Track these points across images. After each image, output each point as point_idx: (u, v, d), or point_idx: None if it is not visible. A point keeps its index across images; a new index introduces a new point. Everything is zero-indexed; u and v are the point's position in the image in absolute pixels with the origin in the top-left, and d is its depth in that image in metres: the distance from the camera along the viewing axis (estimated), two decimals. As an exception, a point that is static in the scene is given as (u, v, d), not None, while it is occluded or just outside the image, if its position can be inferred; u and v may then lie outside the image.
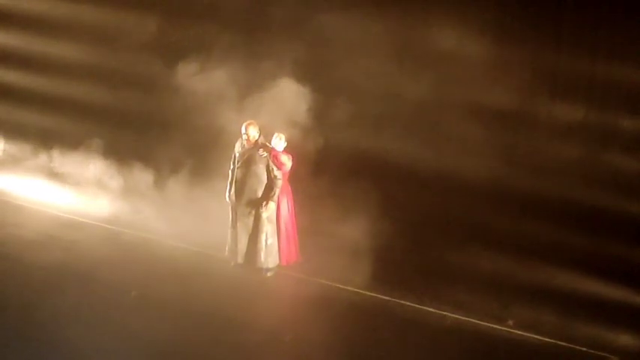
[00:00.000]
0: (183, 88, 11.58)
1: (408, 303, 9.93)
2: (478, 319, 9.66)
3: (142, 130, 12.45)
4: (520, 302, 9.88)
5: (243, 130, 10.27)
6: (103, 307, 9.36)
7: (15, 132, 13.32)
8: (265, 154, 10.12)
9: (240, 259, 10.44)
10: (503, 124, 10.80)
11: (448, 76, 10.93)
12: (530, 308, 9.81)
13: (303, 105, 11.04)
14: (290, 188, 10.55)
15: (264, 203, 10.30)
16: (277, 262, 10.50)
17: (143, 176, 12.20)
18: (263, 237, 10.36)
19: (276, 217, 10.45)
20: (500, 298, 9.95)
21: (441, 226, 10.88)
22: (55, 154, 12.81)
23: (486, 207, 10.74)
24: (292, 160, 10.40)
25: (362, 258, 10.49)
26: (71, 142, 12.67)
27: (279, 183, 10.30)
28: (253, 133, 10.26)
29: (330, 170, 11.21)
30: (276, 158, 10.11)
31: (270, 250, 10.40)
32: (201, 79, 11.50)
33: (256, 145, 10.34)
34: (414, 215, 10.96)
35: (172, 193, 11.91)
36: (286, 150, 10.47)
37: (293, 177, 10.64)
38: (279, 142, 10.38)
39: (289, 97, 11.00)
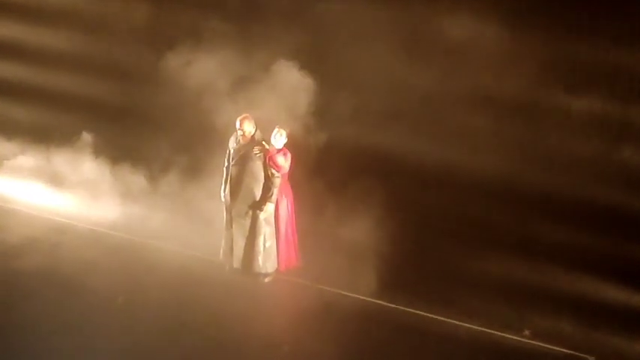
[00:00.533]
0: (173, 80, 11.24)
1: (416, 311, 9.66)
2: (492, 329, 9.41)
3: (131, 126, 12.13)
4: (537, 310, 9.60)
5: (237, 125, 9.83)
6: (87, 314, 9.12)
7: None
8: (260, 153, 9.77)
9: (235, 264, 10.02)
10: (516, 118, 10.55)
11: (458, 68, 10.68)
12: (549, 317, 9.52)
13: (302, 98, 10.67)
14: (290, 188, 10.17)
15: (262, 203, 9.90)
16: (276, 266, 10.11)
17: (132, 175, 11.88)
18: (260, 240, 9.94)
19: (275, 219, 10.07)
20: (515, 306, 9.66)
21: (451, 228, 10.60)
22: (40, 152, 12.48)
23: (500, 207, 10.48)
24: (291, 159, 10.00)
25: (367, 262, 10.18)
26: (57, 140, 12.27)
27: (278, 182, 9.89)
28: (249, 127, 9.83)
29: (333, 168, 10.92)
30: (272, 160, 9.77)
31: (269, 254, 9.99)
32: (194, 70, 11.16)
33: (252, 141, 9.91)
34: (423, 216, 10.71)
35: (163, 192, 11.61)
36: (286, 147, 10.05)
37: (293, 175, 10.26)
38: (279, 138, 9.96)
39: (288, 89, 10.64)
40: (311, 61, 10.83)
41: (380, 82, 10.98)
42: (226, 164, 10.10)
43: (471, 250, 10.28)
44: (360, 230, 10.43)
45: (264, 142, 9.80)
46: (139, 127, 12.03)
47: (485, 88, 10.55)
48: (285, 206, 10.10)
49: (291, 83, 10.67)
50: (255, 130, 9.92)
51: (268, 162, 9.69)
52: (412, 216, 10.63)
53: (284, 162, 9.79)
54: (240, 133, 9.77)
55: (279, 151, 9.94)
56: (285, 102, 10.57)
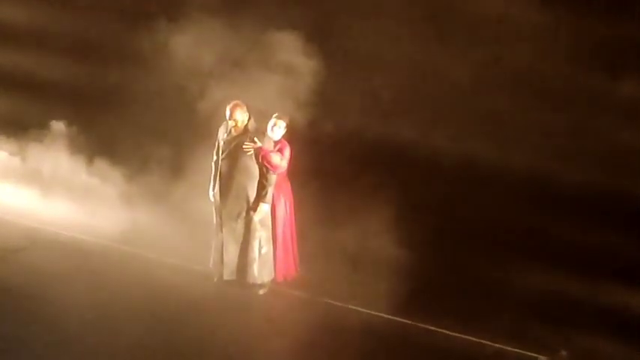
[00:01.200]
0: (151, 61, 10.98)
1: (435, 328, 9.26)
2: (524, 349, 8.97)
3: (105, 114, 11.70)
4: (576, 328, 9.19)
5: (227, 114, 9.38)
6: (52, 332, 8.73)
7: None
8: (250, 151, 9.35)
9: (226, 274, 9.57)
10: (549, 105, 10.21)
11: (484, 48, 10.37)
12: (589, 335, 9.10)
13: (304, 82, 10.35)
14: (290, 186, 9.76)
15: (255, 204, 9.44)
16: (272, 276, 9.67)
17: (107, 171, 11.49)
18: (255, 245, 9.49)
19: (271, 222, 9.64)
20: (551, 323, 9.29)
21: (475, 232, 10.17)
22: (4, 146, 12.17)
23: (531, 209, 10.11)
24: (290, 154, 9.54)
25: (377, 272, 9.77)
26: (23, 131, 11.93)
27: (273, 179, 9.42)
28: (241, 116, 9.35)
29: (339, 163, 10.65)
30: (266, 159, 9.30)
31: (265, 262, 9.55)
32: (175, 49, 10.79)
33: (245, 132, 9.41)
34: (443, 219, 10.33)
35: (143, 191, 11.15)
36: (285, 139, 9.57)
37: (293, 172, 9.83)
38: (277, 129, 9.52)
39: (287, 72, 10.33)
40: (315, 39, 10.50)
41: (397, 64, 10.69)
42: (215, 158, 9.61)
43: (497, 257, 9.91)
44: (370, 235, 10.14)
45: (256, 139, 9.37)
46: (114, 118, 11.65)
47: (515, 71, 10.27)
48: (283, 207, 9.67)
49: (290, 64, 10.39)
50: (249, 119, 9.43)
51: (261, 161, 9.35)
52: (434, 220, 10.30)
53: (279, 161, 9.39)
54: (232, 123, 9.38)
55: (277, 143, 9.51)
56: (283, 86, 10.28)
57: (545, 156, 10.21)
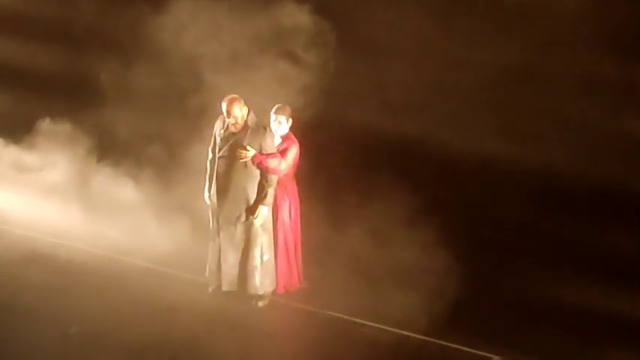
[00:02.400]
0: (138, 44, 10.68)
1: (459, 347, 8.83)
2: None
3: (82, 103, 11.43)
4: (627, 349, 8.73)
5: (224, 109, 9.01)
6: (29, 349, 8.39)
7: None
8: (246, 158, 9.02)
9: (225, 284, 9.18)
10: (608, 102, 9.88)
11: (524, 34, 10.12)
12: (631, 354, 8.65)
13: (311, 73, 9.98)
14: (296, 188, 9.39)
15: (253, 207, 9.11)
16: (274, 286, 9.30)
17: (87, 167, 11.20)
18: (257, 252, 9.10)
19: (273, 227, 9.30)
20: (598, 344, 8.83)
21: (506, 239, 9.96)
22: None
23: (583, 217, 9.76)
24: (297, 153, 9.22)
25: (391, 283, 9.45)
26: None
27: (274, 180, 9.07)
28: (240, 112, 8.99)
29: (349, 163, 10.43)
30: (262, 165, 8.96)
31: (267, 270, 9.15)
32: (167, 33, 10.38)
33: (245, 127, 9.04)
34: (468, 225, 9.99)
35: (129, 191, 10.89)
36: (290, 136, 9.22)
37: (299, 172, 9.48)
38: (280, 127, 9.16)
39: (292, 60, 10.00)
40: (322, 24, 10.16)
41: (416, 52, 10.43)
42: (211, 157, 9.25)
43: (542, 270, 9.61)
44: (383, 242, 9.82)
45: (248, 147, 9.01)
46: (96, 107, 11.35)
47: (563, 61, 9.96)
48: (287, 211, 9.28)
49: (295, 52, 10.06)
50: (248, 113, 9.04)
51: (258, 166, 9.00)
52: (452, 224, 9.88)
53: (277, 164, 9.04)
54: (231, 120, 9.01)
55: (283, 139, 9.18)
56: (286, 77, 9.95)
57: (599, 160, 9.90)
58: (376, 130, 10.52)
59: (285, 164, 9.01)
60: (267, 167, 8.97)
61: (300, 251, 9.45)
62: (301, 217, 9.49)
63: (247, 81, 9.70)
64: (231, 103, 8.92)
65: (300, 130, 9.50)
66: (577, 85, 9.96)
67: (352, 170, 10.42)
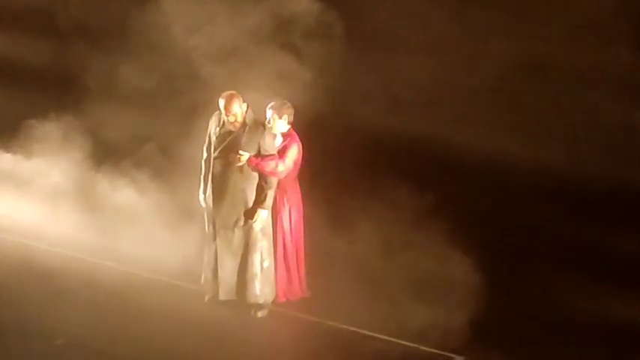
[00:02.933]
0: (129, 38, 10.41)
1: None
2: None
3: (71, 102, 11.02)
4: None
5: (222, 106, 8.78)
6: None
7: None
8: (240, 163, 8.81)
9: (223, 293, 8.96)
10: (635, 98, 9.79)
11: (541, 27, 9.97)
12: None
13: (315, 68, 9.77)
14: (299, 190, 9.18)
15: (251, 210, 8.90)
16: (274, 294, 9.10)
17: (73, 166, 10.82)
18: (257, 258, 8.88)
19: (273, 233, 9.13)
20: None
21: (530, 247, 9.62)
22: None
23: (606, 221, 9.56)
24: (298, 153, 8.97)
25: (400, 293, 9.13)
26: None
27: (274, 181, 8.86)
28: (239, 109, 8.74)
29: (355, 164, 10.20)
30: (259, 169, 8.76)
31: (267, 277, 8.95)
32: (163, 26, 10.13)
33: (243, 125, 8.82)
34: (487, 231, 9.65)
35: (117, 193, 10.56)
36: (291, 133, 8.95)
37: (301, 173, 9.24)
38: (276, 124, 8.93)
39: (292, 53, 9.82)
40: (328, 16, 9.94)
41: (430, 44, 10.27)
42: (205, 156, 9.02)
43: (555, 276, 9.32)
44: (391, 248, 9.54)
45: (241, 152, 8.80)
46: (87, 106, 10.97)
47: (566, 55, 9.85)
48: (288, 215, 9.11)
49: (297, 45, 9.87)
50: (247, 110, 8.79)
51: (254, 169, 8.79)
52: (465, 229, 9.50)
53: (274, 167, 8.84)
54: (231, 119, 8.75)
55: (284, 137, 8.94)
56: (288, 72, 9.70)
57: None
58: (384, 130, 10.36)
59: (284, 166, 8.82)
60: (263, 170, 8.79)
61: (302, 258, 9.25)
62: (304, 222, 9.26)
63: (244, 76, 9.56)
64: (230, 99, 8.68)
65: (303, 129, 9.29)
66: (599, 81, 9.84)
67: (358, 172, 10.22)
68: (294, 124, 9.10)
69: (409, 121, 10.33)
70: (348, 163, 10.23)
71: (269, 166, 8.71)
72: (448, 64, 10.31)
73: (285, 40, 9.91)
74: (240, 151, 8.75)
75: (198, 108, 9.70)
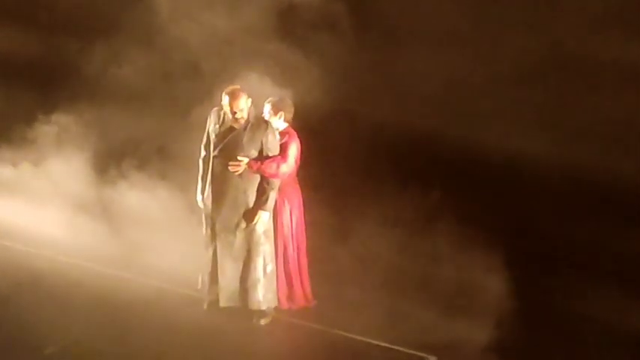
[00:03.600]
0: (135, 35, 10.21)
1: None
2: None
3: (66, 100, 10.80)
4: None
5: (226, 102, 8.49)
6: None
7: None
8: (240, 169, 8.57)
9: (224, 299, 8.73)
10: None
11: (561, 20, 9.64)
12: None
13: (323, 60, 9.65)
14: (299, 190, 8.99)
15: (252, 212, 8.68)
16: (277, 300, 8.90)
17: (64, 165, 10.62)
18: (259, 262, 8.64)
19: (274, 237, 8.95)
20: None
21: (559, 253, 9.34)
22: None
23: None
24: (298, 150, 8.74)
25: (411, 300, 8.95)
26: None
27: (276, 183, 8.64)
28: (244, 104, 8.48)
29: (363, 165, 9.97)
30: (261, 171, 8.55)
31: (270, 282, 8.75)
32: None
33: (245, 122, 8.55)
34: (504, 234, 9.27)
35: (110, 192, 10.39)
36: (289, 131, 8.73)
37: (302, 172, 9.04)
38: (271, 120, 8.75)
39: (294, 46, 9.67)
40: (338, 4, 9.81)
41: (441, 36, 9.97)
42: (204, 154, 8.78)
43: (580, 284, 8.97)
44: (401, 252, 9.40)
45: (239, 158, 8.59)
46: (75, 101, 10.76)
47: (589, 48, 9.53)
48: (288, 217, 8.92)
49: (305, 36, 9.75)
50: (250, 106, 8.54)
51: (255, 171, 8.54)
52: (480, 231, 9.24)
53: (276, 169, 8.62)
54: (238, 115, 8.50)
55: (282, 135, 8.70)
56: (290, 61, 9.57)
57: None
58: (393, 129, 10.07)
59: (287, 166, 8.59)
60: (264, 173, 8.57)
61: (305, 263, 9.01)
62: (306, 224, 9.05)
63: (243, 70, 9.22)
64: (236, 94, 8.43)
65: (304, 127, 9.01)
66: (623, 76, 9.54)
67: (366, 173, 9.93)
68: (297, 121, 8.84)
69: (419, 119, 10.08)
70: (355, 164, 10.01)
71: (270, 168, 8.53)
72: (462, 60, 10.03)
73: (288, 31, 9.73)
74: (239, 157, 8.54)
75: (195, 103, 9.53)
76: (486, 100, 9.98)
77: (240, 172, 8.53)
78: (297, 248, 8.93)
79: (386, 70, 10.15)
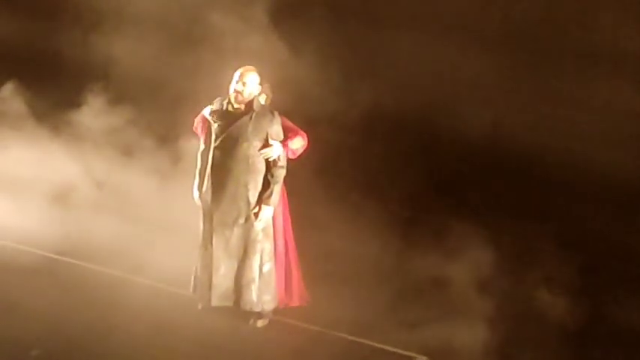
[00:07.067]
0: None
1: None
2: None
3: (58, 86, 10.62)
4: None
5: (236, 76, 8.35)
6: None
7: None
8: (273, 155, 8.36)
9: (215, 299, 8.48)
10: None
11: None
12: None
13: (315, 45, 9.72)
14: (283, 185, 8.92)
15: (257, 207, 8.44)
16: (276, 302, 8.66)
17: (56, 161, 10.36)
18: (256, 260, 8.40)
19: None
20: None
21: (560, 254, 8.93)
22: None
23: None
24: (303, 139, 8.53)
25: (412, 300, 8.83)
26: None
27: (281, 174, 8.43)
28: (251, 83, 8.31)
29: (359, 159, 10.00)
30: (291, 152, 8.46)
31: (267, 283, 8.48)
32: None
33: (248, 111, 8.35)
34: (511, 232, 9.21)
35: (102, 188, 10.27)
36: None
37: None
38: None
39: (300, 37, 9.68)
40: None
41: (450, 23, 9.92)
42: (202, 148, 8.57)
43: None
44: (402, 251, 9.30)
45: (271, 142, 8.38)
46: (70, 88, 10.50)
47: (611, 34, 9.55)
48: (281, 212, 8.73)
49: (307, 23, 9.79)
50: (260, 93, 8.36)
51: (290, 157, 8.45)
52: (486, 230, 9.18)
53: (300, 141, 8.47)
54: (239, 87, 8.28)
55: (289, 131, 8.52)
56: (283, 50, 9.62)
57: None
58: (392, 119, 9.94)
59: (304, 139, 8.53)
60: (295, 152, 8.47)
61: (295, 260, 8.76)
62: (292, 219, 8.84)
63: (234, 60, 8.85)
64: (248, 70, 8.37)
65: (300, 121, 8.69)
66: None
67: (363, 167, 9.90)
68: (294, 116, 8.51)
69: (422, 110, 9.96)
70: (351, 158, 9.96)
71: (297, 143, 8.41)
72: (463, 46, 9.91)
73: (261, 14, 9.66)
74: (270, 141, 8.33)
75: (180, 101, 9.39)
76: (504, 93, 9.88)
77: (273, 157, 8.34)
78: (285, 244, 8.74)
79: (375, 57, 10.05)
